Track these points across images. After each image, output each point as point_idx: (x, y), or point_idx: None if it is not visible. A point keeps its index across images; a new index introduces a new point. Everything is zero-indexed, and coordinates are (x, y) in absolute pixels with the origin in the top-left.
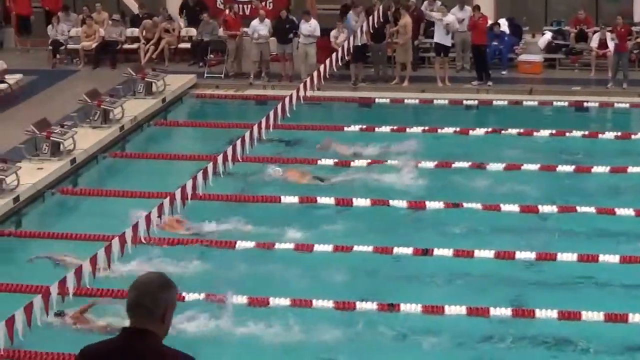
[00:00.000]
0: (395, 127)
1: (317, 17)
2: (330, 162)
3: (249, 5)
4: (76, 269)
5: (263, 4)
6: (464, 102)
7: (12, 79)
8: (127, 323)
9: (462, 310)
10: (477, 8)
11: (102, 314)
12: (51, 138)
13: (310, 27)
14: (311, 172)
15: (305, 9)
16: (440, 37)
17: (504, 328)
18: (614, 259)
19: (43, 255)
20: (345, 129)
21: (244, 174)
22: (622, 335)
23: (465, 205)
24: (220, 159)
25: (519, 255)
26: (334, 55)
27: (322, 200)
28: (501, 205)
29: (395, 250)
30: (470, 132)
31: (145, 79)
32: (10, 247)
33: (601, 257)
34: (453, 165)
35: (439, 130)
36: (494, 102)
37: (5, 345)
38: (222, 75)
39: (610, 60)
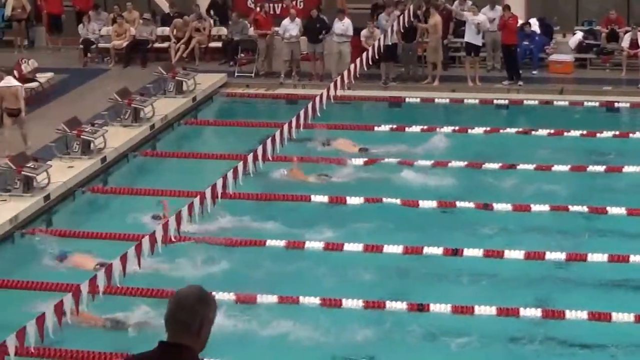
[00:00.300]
0: (425, 127)
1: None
2: (360, 161)
3: (280, 5)
4: (106, 268)
5: (294, 3)
6: (495, 101)
7: (43, 77)
8: (163, 336)
9: (492, 310)
10: (507, 8)
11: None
12: (82, 137)
13: (343, 26)
14: (316, 171)
15: (339, 8)
16: (471, 36)
17: (533, 329)
18: None
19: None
20: (376, 128)
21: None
22: None
23: (495, 205)
24: (250, 158)
25: (549, 255)
26: (364, 54)
27: (351, 200)
28: (531, 205)
29: (425, 250)
30: (501, 131)
31: (176, 78)
32: (41, 246)
33: (632, 258)
34: (483, 166)
35: (469, 131)
36: (525, 102)
37: (35, 343)
38: (253, 75)
39: None
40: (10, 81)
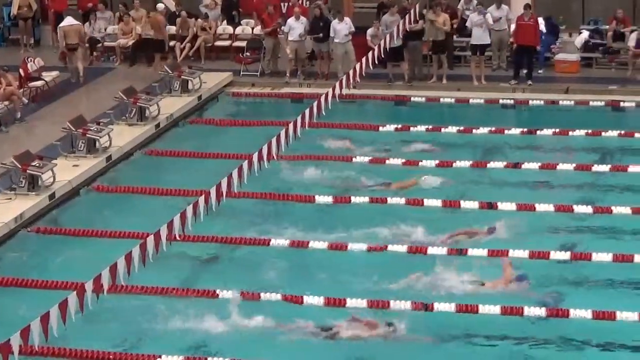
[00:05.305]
0: (430, 127)
1: (352, 15)
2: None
3: (286, 4)
4: (111, 266)
5: (300, 2)
6: (500, 101)
7: (48, 76)
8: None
9: (496, 309)
10: (527, 7)
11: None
12: (87, 135)
13: (346, 24)
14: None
15: (337, 9)
16: (478, 37)
17: (538, 328)
18: None
19: None
20: (381, 128)
21: (279, 172)
22: None
23: (499, 205)
24: (255, 157)
25: (554, 255)
26: (370, 53)
27: (356, 199)
28: (536, 205)
29: (430, 250)
30: (506, 131)
31: (182, 76)
32: (46, 244)
33: (636, 258)
34: (488, 165)
35: (474, 130)
36: (530, 102)
37: (40, 342)
38: (258, 74)
39: None
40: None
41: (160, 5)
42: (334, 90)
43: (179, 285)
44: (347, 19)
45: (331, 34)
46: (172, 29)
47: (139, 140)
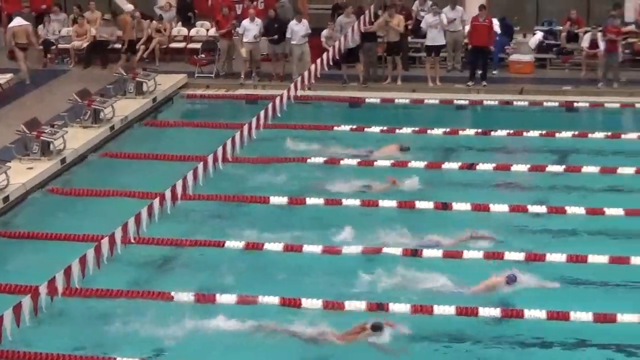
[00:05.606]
0: (385, 128)
1: (307, 17)
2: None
3: (241, 5)
4: (65, 269)
5: (254, 3)
6: (455, 101)
7: (2, 78)
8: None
9: (451, 310)
10: (482, 8)
11: None
12: (41, 138)
13: (303, 26)
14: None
15: (297, 10)
16: (433, 38)
17: (493, 329)
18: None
19: None
20: (335, 128)
21: (235, 173)
22: None
23: (454, 205)
24: (210, 159)
25: (508, 255)
26: (324, 55)
27: (311, 201)
28: (490, 205)
29: (385, 250)
30: (461, 132)
31: (136, 78)
32: None
33: (590, 258)
34: (443, 166)
35: (429, 131)
36: (485, 102)
37: None
38: (213, 75)
39: (601, 60)
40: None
41: (129, 7)
42: (288, 91)
43: (134, 288)
44: (304, 21)
45: (288, 35)
46: None
47: (94, 142)
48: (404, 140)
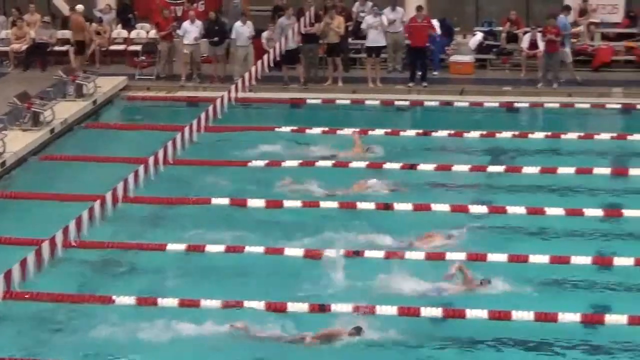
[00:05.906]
0: (326, 128)
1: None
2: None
3: (181, 7)
4: (5, 273)
5: (194, 5)
6: (396, 102)
7: None
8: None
9: (394, 310)
10: (419, 8)
11: None
12: None
13: (248, 28)
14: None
15: (242, 11)
16: (374, 39)
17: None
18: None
19: None
20: (277, 129)
21: (175, 176)
22: None
23: (396, 205)
24: (151, 161)
25: (450, 255)
26: (265, 56)
27: (253, 202)
28: (432, 205)
29: (327, 252)
30: (402, 133)
31: (76, 81)
32: None
33: (531, 258)
34: (384, 166)
35: (370, 132)
36: (425, 103)
37: None
38: (154, 77)
39: (541, 60)
40: None
41: (79, 6)
42: (229, 93)
43: (75, 291)
44: (249, 22)
45: (233, 36)
46: (66, 33)
47: (34, 145)
48: (344, 142)
